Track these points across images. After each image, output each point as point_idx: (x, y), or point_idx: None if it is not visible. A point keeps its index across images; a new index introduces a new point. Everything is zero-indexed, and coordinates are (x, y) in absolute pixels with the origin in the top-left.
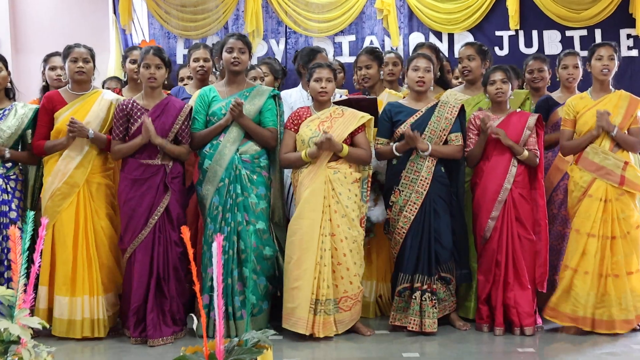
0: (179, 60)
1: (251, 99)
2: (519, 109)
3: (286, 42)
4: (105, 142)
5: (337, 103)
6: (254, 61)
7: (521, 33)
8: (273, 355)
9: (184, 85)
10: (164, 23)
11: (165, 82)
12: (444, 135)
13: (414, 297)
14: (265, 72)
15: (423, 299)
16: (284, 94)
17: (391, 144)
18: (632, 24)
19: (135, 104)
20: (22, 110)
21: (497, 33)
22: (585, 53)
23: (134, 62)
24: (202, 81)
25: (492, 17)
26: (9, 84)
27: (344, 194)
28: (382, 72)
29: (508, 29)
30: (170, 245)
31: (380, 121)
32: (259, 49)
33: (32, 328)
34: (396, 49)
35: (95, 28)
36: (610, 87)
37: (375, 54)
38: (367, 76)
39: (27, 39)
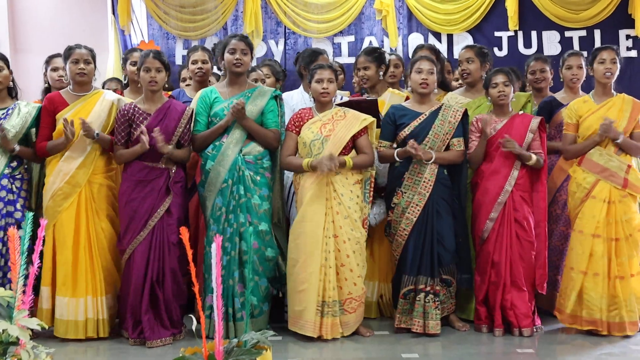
0: (178, 61)
1: (253, 100)
2: (521, 112)
3: (285, 43)
4: (109, 142)
5: (338, 105)
6: (253, 62)
7: (520, 34)
8: (273, 356)
9: (186, 85)
10: (162, 24)
11: (166, 85)
12: (447, 139)
13: (417, 299)
14: (267, 73)
15: (426, 300)
16: (286, 95)
17: (394, 146)
18: (631, 25)
19: (136, 109)
20: (26, 108)
21: (496, 34)
22: (584, 54)
23: (134, 64)
24: (201, 83)
25: (491, 18)
26: (11, 83)
27: (345, 195)
28: (380, 73)
29: (507, 29)
30: (169, 247)
31: (383, 124)
32: (258, 50)
33: (33, 329)
34: (395, 49)
35: (94, 28)
36: (612, 90)
37: (373, 55)
38: (366, 77)
39: (26, 39)
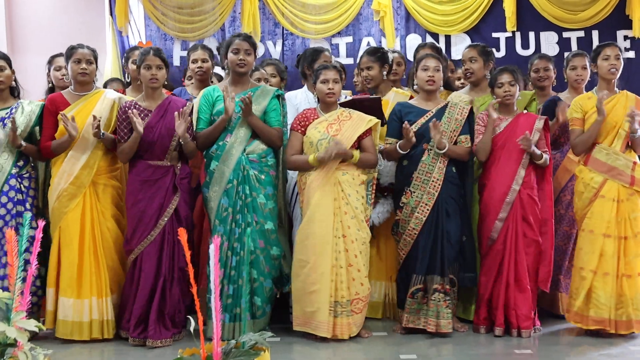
0: (176, 62)
1: (256, 99)
2: (525, 111)
3: (283, 44)
4: (113, 142)
5: (342, 104)
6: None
7: (518, 34)
8: (271, 357)
9: (191, 83)
10: (160, 25)
11: (166, 83)
12: (454, 136)
13: (432, 298)
14: (273, 73)
15: (438, 299)
16: (289, 95)
17: (397, 145)
18: (629, 26)
19: (137, 106)
20: (29, 107)
21: (494, 35)
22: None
23: (136, 62)
24: (202, 82)
25: (489, 19)
26: (13, 83)
27: (352, 196)
28: (384, 72)
29: (505, 30)
30: (178, 246)
31: (389, 121)
32: None
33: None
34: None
35: (92, 29)
36: (615, 87)
37: (376, 55)
38: (369, 77)
39: (23, 40)
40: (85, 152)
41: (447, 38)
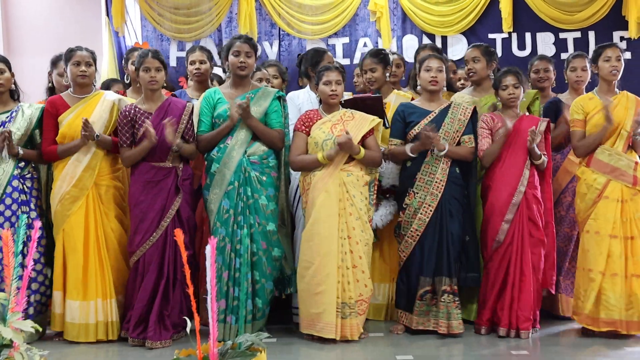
0: (172, 62)
1: (257, 101)
2: (527, 113)
3: (279, 45)
4: (111, 143)
5: (343, 103)
6: None
7: (514, 35)
8: (267, 357)
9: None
10: (157, 25)
11: (166, 84)
12: (457, 137)
13: (442, 300)
14: (274, 74)
15: (448, 301)
16: (292, 95)
17: (407, 147)
18: (625, 27)
19: (137, 109)
20: (29, 110)
21: (490, 36)
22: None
23: (135, 64)
24: (201, 83)
25: (485, 20)
26: (13, 86)
27: (357, 197)
28: (387, 74)
29: (501, 31)
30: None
31: (393, 122)
32: None
33: (44, 333)
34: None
35: (88, 30)
36: (616, 88)
37: (380, 57)
38: (372, 79)
39: (19, 41)
40: (87, 154)
41: (444, 39)
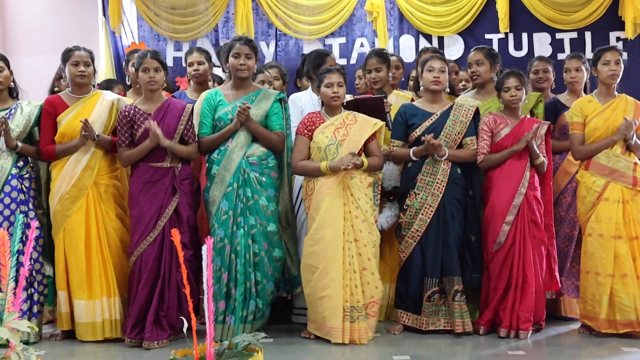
0: (169, 62)
1: (257, 103)
2: (529, 116)
3: (276, 45)
4: (110, 143)
5: (345, 105)
6: None
7: (511, 36)
8: (264, 358)
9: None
10: (153, 25)
11: (165, 85)
12: (459, 138)
13: (456, 300)
14: (276, 76)
15: (461, 300)
16: (294, 97)
17: (411, 151)
18: (622, 27)
19: (137, 110)
20: (28, 108)
21: (487, 36)
22: (583, 55)
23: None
24: (199, 84)
25: (482, 20)
26: (12, 84)
27: (362, 199)
28: (390, 74)
29: (498, 31)
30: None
31: (394, 123)
32: None
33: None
34: None
35: (85, 30)
36: (615, 90)
37: (384, 57)
38: (377, 79)
39: (16, 41)
40: (87, 154)
41: (440, 39)
